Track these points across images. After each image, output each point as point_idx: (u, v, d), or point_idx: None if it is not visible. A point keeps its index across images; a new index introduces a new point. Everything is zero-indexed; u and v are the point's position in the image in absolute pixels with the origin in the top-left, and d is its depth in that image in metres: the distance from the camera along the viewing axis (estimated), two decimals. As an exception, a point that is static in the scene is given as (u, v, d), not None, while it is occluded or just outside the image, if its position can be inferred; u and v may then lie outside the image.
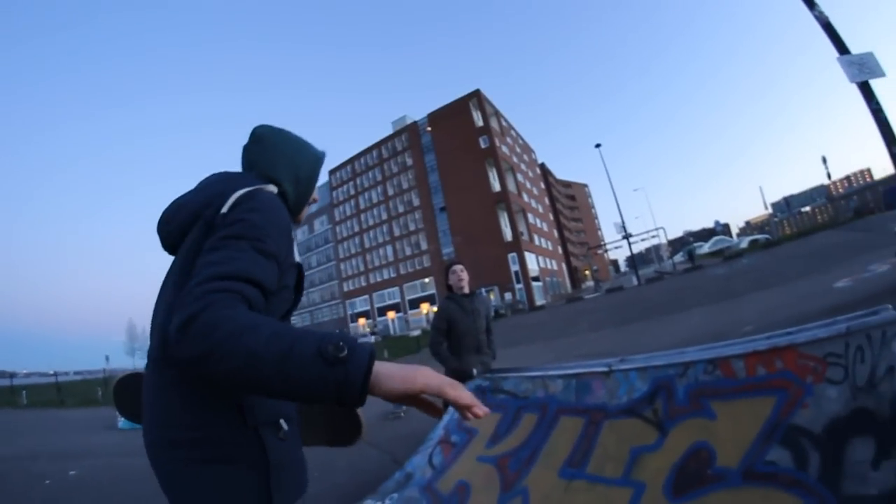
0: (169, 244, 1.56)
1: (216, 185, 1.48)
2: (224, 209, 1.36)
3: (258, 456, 1.30)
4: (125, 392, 2.11)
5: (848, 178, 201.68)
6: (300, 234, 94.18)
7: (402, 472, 3.97)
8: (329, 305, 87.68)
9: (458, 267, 4.92)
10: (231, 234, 1.26)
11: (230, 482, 1.26)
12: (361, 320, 78.21)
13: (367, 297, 79.39)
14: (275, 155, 1.61)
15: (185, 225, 1.48)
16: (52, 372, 48.04)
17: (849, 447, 1.86)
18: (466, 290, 4.89)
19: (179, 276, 1.36)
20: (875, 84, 8.29)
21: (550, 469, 2.88)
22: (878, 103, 8.14)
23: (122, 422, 14.55)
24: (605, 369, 3.00)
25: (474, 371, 4.45)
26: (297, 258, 1.50)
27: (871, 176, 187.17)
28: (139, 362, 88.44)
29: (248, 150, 1.63)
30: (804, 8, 8.87)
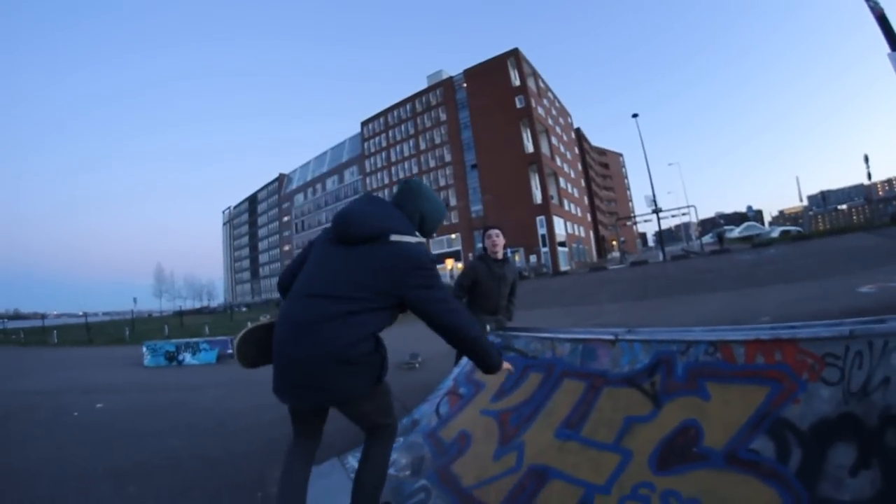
0: (343, 239, 2.45)
1: (386, 220, 2.46)
2: (408, 265, 2.40)
3: (380, 362, 2.43)
4: (248, 344, 2.70)
5: (890, 181, 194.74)
6: (329, 184, 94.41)
7: (410, 419, 4.15)
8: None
9: (495, 231, 4.98)
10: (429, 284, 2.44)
11: (369, 373, 2.38)
12: (386, 271, 78.23)
13: (392, 248, 79.28)
14: (417, 203, 2.64)
15: (364, 238, 2.41)
16: (81, 313, 49.30)
17: (831, 450, 1.89)
18: (500, 256, 4.97)
19: (357, 272, 2.36)
20: None
21: (548, 428, 3.00)
22: None
23: (147, 359, 15.04)
24: (612, 338, 3.10)
25: (487, 327, 4.57)
26: None
27: None
28: (166, 304, 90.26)
29: (401, 193, 2.66)
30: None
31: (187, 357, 15.12)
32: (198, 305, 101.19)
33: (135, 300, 58.09)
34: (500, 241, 4.97)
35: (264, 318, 2.69)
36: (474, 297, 4.86)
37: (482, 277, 4.83)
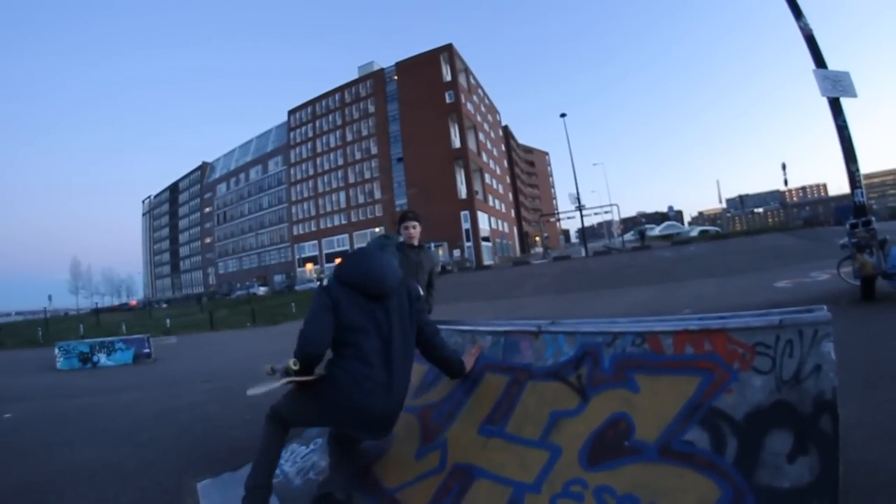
0: (380, 295, 2.79)
1: (398, 272, 2.96)
2: (419, 299, 3.04)
3: None
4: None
5: (804, 188, 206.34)
6: (253, 174, 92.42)
7: None
8: (277, 248, 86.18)
9: (412, 223, 4.88)
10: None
11: None
12: (309, 265, 77.38)
13: (316, 242, 78.32)
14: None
15: (393, 289, 2.85)
16: None
17: (767, 437, 1.87)
18: (415, 243, 4.88)
19: (408, 327, 2.89)
20: (844, 102, 8.43)
21: (471, 425, 2.87)
22: (844, 120, 8.26)
23: (60, 361, 14.30)
24: (535, 329, 2.98)
25: None
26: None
27: (825, 191, 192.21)
28: (84, 301, 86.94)
29: (382, 240, 3.93)
30: (790, 17, 8.91)
31: (102, 358, 14.58)
32: (117, 302, 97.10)
33: (49, 298, 55.75)
34: (417, 231, 4.90)
35: (293, 366, 2.61)
36: None
37: (400, 266, 4.63)
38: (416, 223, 4.91)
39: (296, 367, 2.56)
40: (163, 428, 5.80)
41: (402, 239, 4.91)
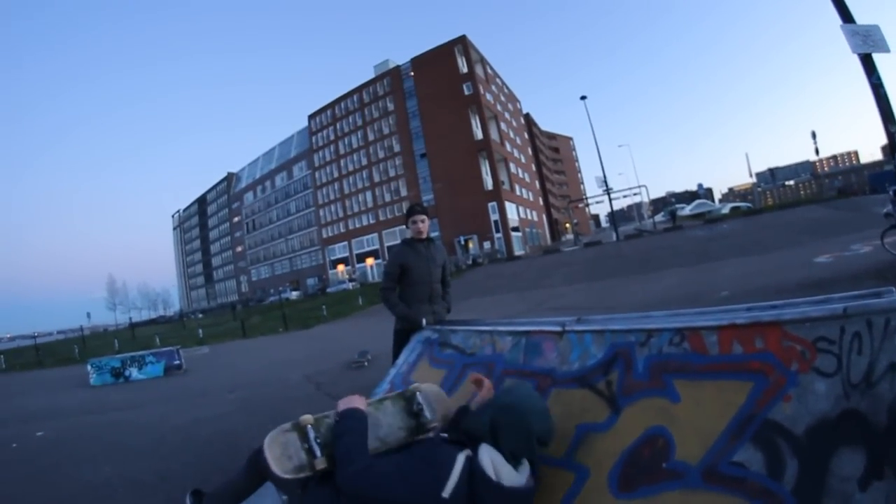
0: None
1: None
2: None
3: None
4: None
5: (835, 157, 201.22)
6: (279, 181, 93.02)
7: None
8: (308, 252, 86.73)
9: (420, 217, 4.69)
10: None
11: None
12: (340, 267, 77.74)
13: (345, 243, 78.57)
14: None
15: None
16: (33, 334, 47.68)
17: (835, 458, 1.48)
18: (424, 237, 4.71)
19: None
20: (877, 59, 8.05)
21: (490, 439, 2.55)
22: (879, 78, 7.91)
23: (93, 378, 14.37)
24: (558, 329, 2.65)
25: (423, 321, 4.32)
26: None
27: (857, 159, 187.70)
28: (121, 317, 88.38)
29: None
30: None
31: (134, 372, 14.60)
32: (153, 315, 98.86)
33: (88, 315, 56.65)
34: (426, 225, 4.72)
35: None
36: (406, 286, 4.59)
37: (411, 261, 4.56)
38: (424, 216, 4.73)
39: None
40: (184, 442, 5.88)
41: (409, 235, 4.79)
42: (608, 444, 2.07)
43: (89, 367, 14.75)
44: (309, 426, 2.24)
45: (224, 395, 8.95)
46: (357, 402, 2.35)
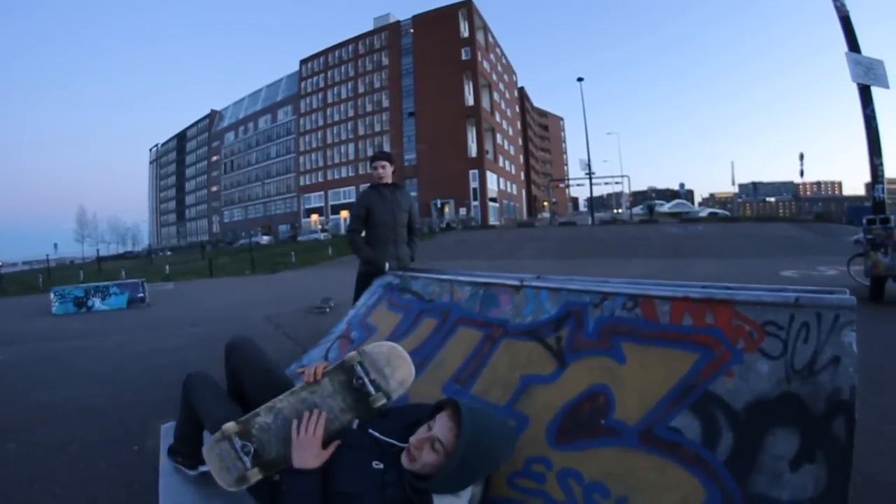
0: None
1: None
2: None
3: None
4: None
5: (819, 183, 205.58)
6: (262, 123, 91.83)
7: (299, 363, 3.83)
8: (283, 199, 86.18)
9: (381, 163, 4.93)
10: None
11: None
12: (314, 216, 77.47)
13: (322, 193, 78.20)
14: None
15: None
16: None
17: (769, 436, 1.52)
18: (388, 181, 4.96)
19: None
20: (874, 93, 8.23)
21: (436, 382, 2.62)
22: (872, 110, 8.09)
23: (55, 306, 14.20)
24: (517, 283, 2.68)
25: (386, 265, 4.49)
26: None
27: (840, 190, 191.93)
28: (89, 250, 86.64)
29: None
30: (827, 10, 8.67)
31: (97, 302, 14.44)
32: (122, 251, 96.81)
33: (56, 246, 55.76)
34: (387, 171, 4.94)
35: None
36: (371, 228, 4.86)
37: (375, 204, 4.81)
38: (385, 162, 4.93)
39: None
40: (141, 370, 5.95)
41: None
42: (550, 397, 2.10)
43: (52, 296, 14.56)
44: (234, 436, 2.01)
45: (185, 328, 8.98)
46: (311, 455, 1.86)
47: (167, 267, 30.30)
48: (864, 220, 8.17)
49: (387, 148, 69.73)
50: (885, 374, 4.06)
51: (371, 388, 2.11)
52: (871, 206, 8.30)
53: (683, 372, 1.80)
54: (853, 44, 8.22)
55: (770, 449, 1.50)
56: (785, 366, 1.60)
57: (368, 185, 5.12)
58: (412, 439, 1.79)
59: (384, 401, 2.11)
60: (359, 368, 2.14)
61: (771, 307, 1.73)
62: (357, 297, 4.48)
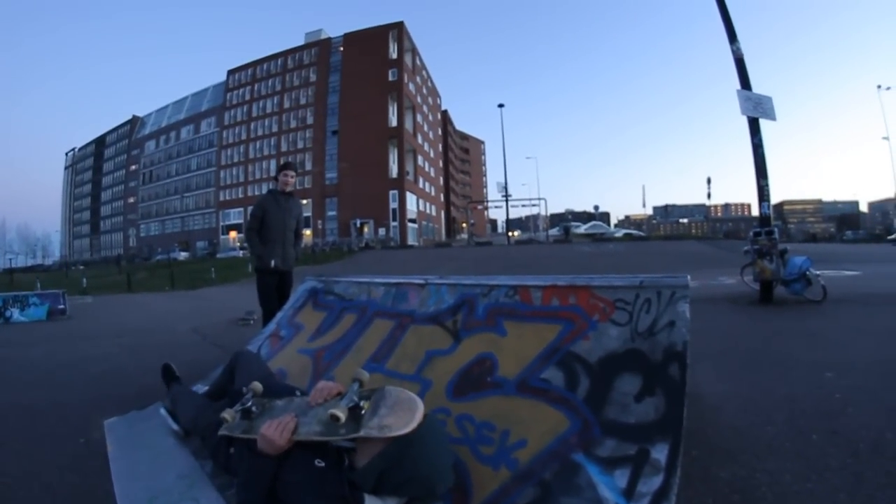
0: None
1: None
2: None
3: None
4: None
5: (727, 204, 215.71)
6: (184, 133, 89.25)
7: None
8: (202, 214, 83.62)
9: (291, 173, 5.82)
10: None
11: None
12: (233, 233, 75.45)
13: (242, 209, 76.02)
14: None
15: None
16: None
17: (617, 379, 2.08)
18: (288, 190, 5.77)
19: None
20: (768, 125, 9.11)
21: (356, 363, 3.11)
22: (760, 140, 8.90)
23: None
24: (422, 282, 3.31)
25: (272, 263, 5.56)
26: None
27: (749, 211, 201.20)
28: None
29: None
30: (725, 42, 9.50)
31: (15, 313, 13.82)
32: (31, 263, 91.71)
33: (-43, 255, 52.55)
34: (293, 180, 5.83)
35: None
36: (263, 228, 5.61)
37: (270, 208, 5.60)
38: (293, 172, 5.86)
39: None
40: (75, 376, 5.85)
41: (274, 187, 5.81)
42: (448, 364, 2.70)
43: (-33, 305, 14.04)
44: (250, 394, 2.36)
45: (111, 339, 8.76)
46: (271, 448, 1.96)
47: (84, 280, 29.49)
48: (752, 233, 9.09)
49: (308, 166, 69.38)
50: (762, 358, 4.82)
51: (345, 403, 1.91)
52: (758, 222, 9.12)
53: (550, 339, 2.41)
54: (745, 82, 9.12)
55: (619, 387, 2.06)
56: (630, 330, 2.20)
57: (267, 190, 5.91)
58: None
59: (342, 418, 1.84)
60: (356, 387, 2.02)
61: (621, 289, 2.36)
62: (259, 289, 5.68)
